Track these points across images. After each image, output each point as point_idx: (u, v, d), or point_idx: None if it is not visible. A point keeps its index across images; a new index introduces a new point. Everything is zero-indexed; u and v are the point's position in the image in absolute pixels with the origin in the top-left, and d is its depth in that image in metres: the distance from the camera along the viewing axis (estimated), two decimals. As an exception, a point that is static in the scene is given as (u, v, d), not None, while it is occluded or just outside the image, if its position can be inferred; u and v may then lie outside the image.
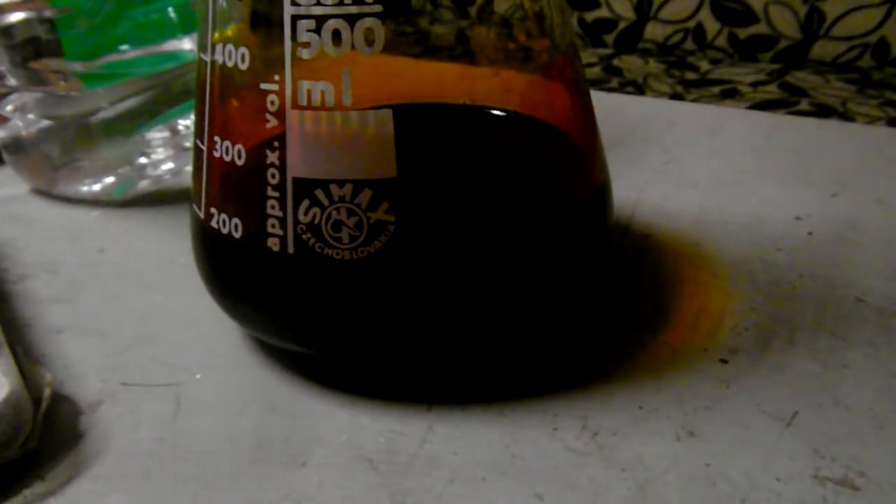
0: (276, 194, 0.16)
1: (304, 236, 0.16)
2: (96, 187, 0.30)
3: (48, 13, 0.27)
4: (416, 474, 0.16)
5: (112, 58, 0.29)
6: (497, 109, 0.20)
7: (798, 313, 0.21)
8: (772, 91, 0.47)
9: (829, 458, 0.16)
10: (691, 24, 0.55)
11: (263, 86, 0.16)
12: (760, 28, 0.53)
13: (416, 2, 0.19)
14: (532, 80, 0.20)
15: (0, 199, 0.31)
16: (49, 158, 0.29)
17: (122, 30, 0.29)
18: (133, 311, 0.23)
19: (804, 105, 0.44)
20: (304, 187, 0.16)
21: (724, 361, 0.20)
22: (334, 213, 0.16)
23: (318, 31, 0.15)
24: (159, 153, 0.32)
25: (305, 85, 0.16)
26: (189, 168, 0.32)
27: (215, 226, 0.18)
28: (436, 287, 0.17)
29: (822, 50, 0.52)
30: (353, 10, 0.15)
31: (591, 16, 0.59)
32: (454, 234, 0.17)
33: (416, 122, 0.18)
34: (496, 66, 0.19)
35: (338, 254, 0.16)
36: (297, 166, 0.16)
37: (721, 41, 0.55)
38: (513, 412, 0.18)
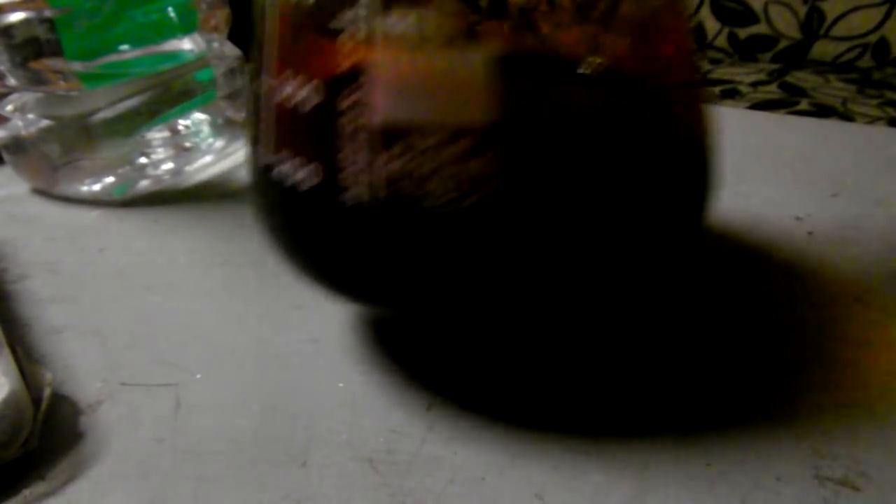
0: (360, 139, 0.15)
1: (390, 187, 0.15)
2: (96, 187, 0.30)
3: (48, 13, 0.27)
4: (416, 474, 0.16)
5: (112, 58, 0.29)
6: (604, 69, 0.18)
7: (797, 313, 0.21)
8: (772, 91, 0.46)
9: (830, 458, 0.16)
10: (691, 23, 0.55)
11: (346, 15, 0.14)
12: (760, 28, 0.53)
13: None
14: (638, 38, 0.18)
15: (0, 198, 0.31)
16: (49, 158, 0.29)
17: (122, 30, 0.29)
18: (133, 311, 0.23)
19: (804, 105, 0.44)
20: (393, 131, 0.15)
21: (724, 361, 0.20)
22: (426, 161, 0.14)
23: None
24: (159, 153, 0.32)
25: (397, 10, 0.14)
26: (189, 168, 0.32)
27: (285, 173, 0.16)
28: (533, 247, 0.16)
29: (822, 50, 0.52)
30: None
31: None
32: (555, 192, 0.16)
33: (518, 67, 0.15)
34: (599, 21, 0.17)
35: (427, 207, 0.15)
36: (385, 107, 0.14)
37: (721, 41, 0.55)
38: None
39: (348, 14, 0.14)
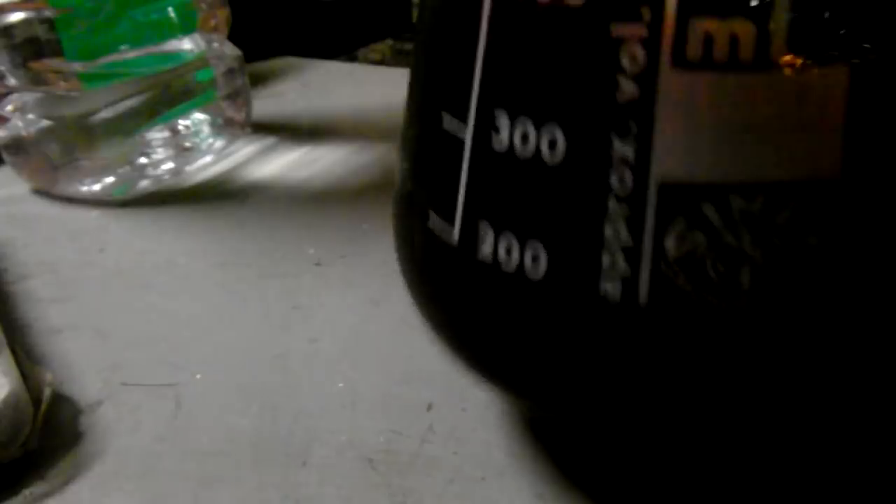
0: (626, 210, 0.10)
1: (670, 277, 0.10)
2: (96, 187, 0.30)
3: (48, 13, 0.27)
4: (416, 474, 0.16)
5: (112, 58, 0.29)
6: None
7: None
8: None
9: (829, 458, 0.16)
10: None
11: (617, 28, 0.10)
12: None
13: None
14: None
15: (0, 198, 0.31)
16: (49, 158, 0.29)
17: (122, 30, 0.29)
18: (133, 310, 0.23)
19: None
20: (680, 198, 0.10)
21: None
22: (731, 238, 0.10)
23: None
24: (159, 153, 0.32)
25: (703, 24, 0.10)
26: (189, 168, 0.32)
27: (488, 255, 0.12)
28: (846, 348, 0.11)
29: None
30: None
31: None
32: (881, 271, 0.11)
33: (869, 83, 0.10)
34: None
35: (728, 305, 0.10)
36: (670, 164, 0.10)
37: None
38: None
39: (625, 24, 0.10)
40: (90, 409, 0.19)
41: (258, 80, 0.42)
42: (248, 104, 0.35)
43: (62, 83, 0.28)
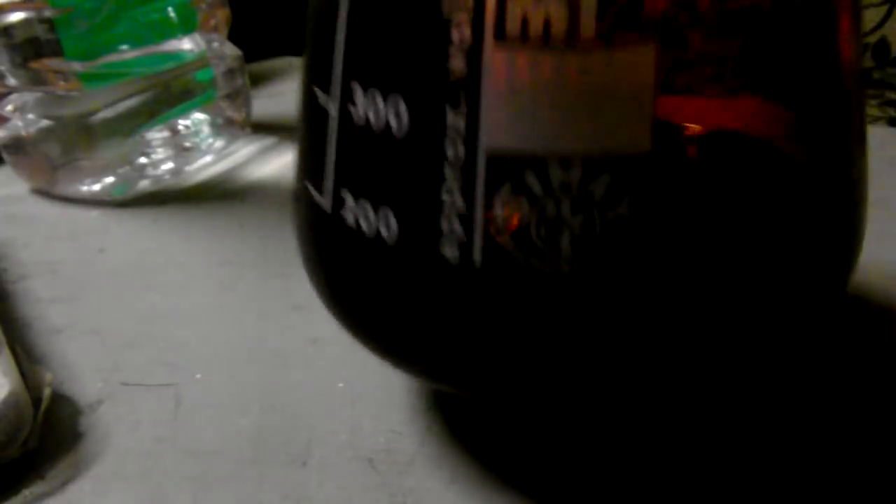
0: (459, 177, 0.11)
1: (499, 241, 0.11)
2: (96, 187, 0.30)
3: (48, 13, 0.27)
4: (416, 474, 0.16)
5: (112, 58, 0.29)
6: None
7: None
8: (772, 91, 0.46)
9: (829, 458, 0.16)
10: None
11: (448, 6, 0.11)
12: (760, 28, 0.53)
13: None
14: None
15: (0, 198, 0.31)
16: (49, 158, 0.29)
17: (122, 30, 0.29)
18: (133, 310, 0.23)
19: (804, 105, 0.44)
20: (506, 167, 0.11)
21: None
22: (551, 206, 0.11)
23: None
24: (159, 153, 0.32)
25: (520, 5, 0.10)
26: (189, 168, 0.32)
27: (351, 220, 0.13)
28: (675, 314, 0.12)
29: (822, 50, 0.52)
30: None
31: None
32: (706, 244, 0.12)
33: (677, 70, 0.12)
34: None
35: (549, 268, 0.11)
36: (498, 134, 0.11)
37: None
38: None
39: (454, 3, 0.11)
40: (90, 409, 0.19)
41: (258, 80, 0.42)
42: (248, 104, 0.35)
43: (62, 83, 0.28)
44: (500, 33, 0.11)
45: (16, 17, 0.27)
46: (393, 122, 0.12)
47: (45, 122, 0.29)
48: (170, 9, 0.31)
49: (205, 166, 0.33)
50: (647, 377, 0.13)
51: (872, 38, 0.50)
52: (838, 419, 0.17)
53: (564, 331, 0.12)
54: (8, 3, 0.27)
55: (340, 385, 0.19)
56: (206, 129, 0.34)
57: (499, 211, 0.11)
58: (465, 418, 0.18)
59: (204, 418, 0.18)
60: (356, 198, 0.13)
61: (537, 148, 0.11)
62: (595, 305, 0.12)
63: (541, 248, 0.11)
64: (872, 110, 0.42)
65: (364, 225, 0.13)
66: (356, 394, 0.19)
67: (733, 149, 0.13)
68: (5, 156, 0.31)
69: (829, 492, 0.15)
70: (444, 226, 0.12)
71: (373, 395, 0.19)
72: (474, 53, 0.11)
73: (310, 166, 0.14)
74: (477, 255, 0.12)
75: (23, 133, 0.29)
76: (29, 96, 0.29)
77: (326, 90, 0.13)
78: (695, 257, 0.12)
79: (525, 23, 0.10)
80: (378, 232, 0.12)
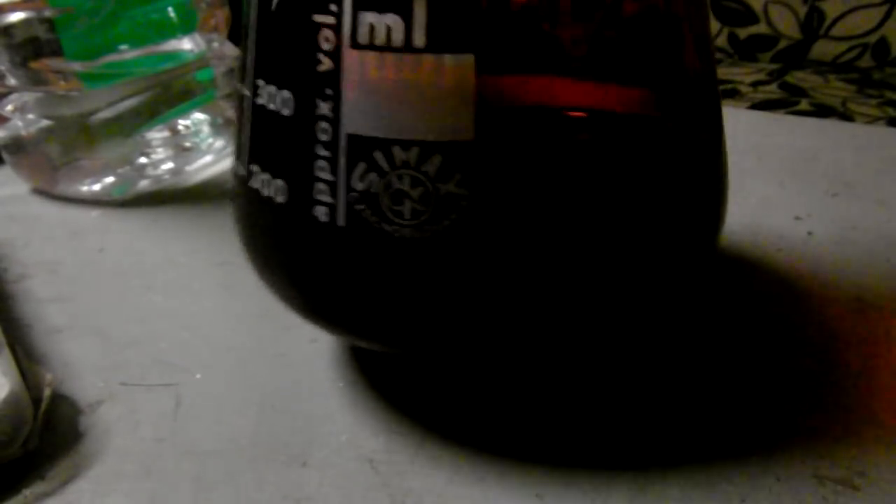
0: (327, 153, 0.14)
1: (357, 206, 0.14)
2: (96, 187, 0.30)
3: (48, 13, 0.27)
4: (416, 474, 0.16)
5: (112, 58, 0.29)
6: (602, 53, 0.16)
7: (797, 313, 0.21)
8: (772, 91, 0.47)
9: (829, 458, 0.16)
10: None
11: (316, 17, 0.14)
12: (760, 28, 0.53)
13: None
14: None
15: (0, 198, 0.31)
16: (49, 158, 0.29)
17: (122, 29, 0.29)
18: (133, 310, 0.23)
19: (804, 105, 0.44)
20: (361, 147, 0.14)
21: (724, 361, 0.19)
22: (395, 180, 0.14)
23: None
24: (159, 153, 0.32)
25: (368, 17, 0.13)
26: (189, 168, 0.32)
27: (256, 186, 0.16)
28: (510, 277, 0.15)
29: (822, 50, 0.52)
30: None
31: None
32: (536, 216, 0.14)
33: (501, 65, 0.14)
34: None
35: (396, 231, 0.14)
36: (354, 121, 0.14)
37: (721, 41, 0.55)
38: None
39: (321, 16, 0.14)
40: (90, 409, 0.19)
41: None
42: (247, 104, 0.35)
43: (62, 83, 0.28)
44: (354, 41, 0.13)
45: (16, 16, 0.27)
46: (283, 110, 0.15)
47: (45, 122, 0.29)
48: (170, 9, 0.31)
49: (205, 166, 0.33)
50: (505, 328, 0.15)
51: (872, 39, 0.50)
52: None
53: (413, 282, 0.15)
54: (8, 3, 0.27)
55: (340, 385, 0.19)
56: (206, 129, 0.34)
57: (356, 182, 0.14)
58: (464, 418, 0.18)
59: (204, 418, 0.18)
60: (261, 169, 0.16)
61: (385, 133, 0.13)
62: (436, 263, 0.14)
63: (388, 215, 0.14)
64: (872, 110, 0.42)
65: (265, 191, 0.15)
66: (356, 394, 0.19)
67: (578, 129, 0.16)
68: (5, 156, 0.31)
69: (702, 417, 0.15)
70: (317, 193, 0.14)
71: (373, 395, 0.19)
72: (336, 53, 0.14)
73: (236, 144, 0.17)
74: (341, 219, 0.14)
75: (23, 133, 0.29)
76: (29, 96, 0.29)
77: (244, 84, 0.16)
78: (538, 224, 0.14)
79: (373, 32, 0.13)
80: (272, 197, 0.15)
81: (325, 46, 0.14)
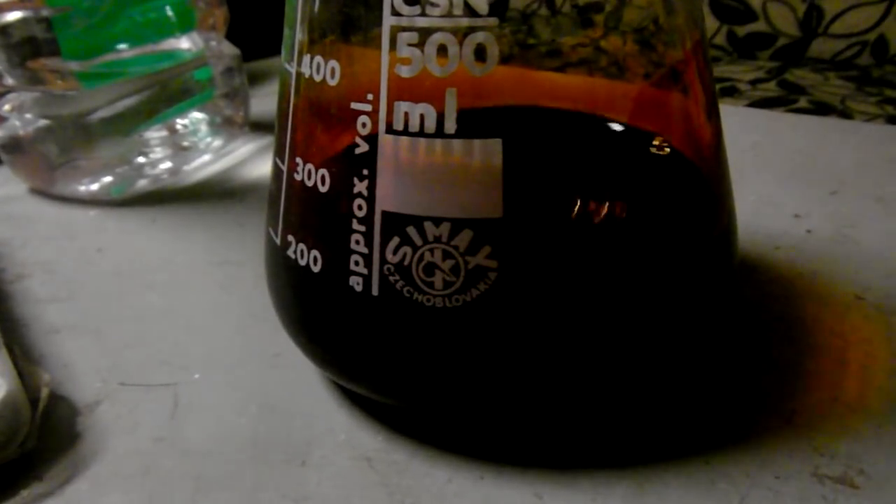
0: (362, 228, 0.15)
1: (390, 277, 0.15)
2: (94, 187, 0.30)
3: (45, 12, 0.27)
4: (415, 473, 0.16)
5: (109, 57, 0.29)
6: (616, 130, 0.18)
7: (796, 311, 0.21)
8: (771, 89, 0.46)
9: (828, 456, 0.16)
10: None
11: (354, 105, 0.14)
12: (759, 26, 0.53)
13: (524, 6, 0.18)
14: (659, 98, 0.17)
15: (-2, 198, 0.31)
16: (47, 158, 0.29)
17: (120, 29, 0.29)
18: (131, 310, 0.23)
19: (803, 103, 0.44)
20: (395, 223, 0.14)
21: (723, 360, 0.19)
22: (427, 254, 0.14)
23: (421, 45, 0.14)
24: (157, 152, 0.32)
25: (403, 107, 0.14)
26: (187, 167, 0.32)
27: (292, 255, 0.16)
28: (539, 346, 0.15)
29: (821, 48, 0.52)
30: (464, 23, 0.13)
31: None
32: (560, 288, 0.15)
33: (526, 148, 0.16)
34: (624, 81, 0.17)
35: (428, 300, 0.15)
36: (388, 198, 0.14)
37: (720, 39, 0.54)
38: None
39: (360, 104, 0.14)
40: (88, 410, 0.19)
41: (256, 79, 0.42)
42: (246, 103, 0.35)
43: (60, 82, 0.28)
44: (390, 127, 0.14)
45: (13, 16, 0.27)
46: (319, 187, 0.16)
47: (42, 122, 0.29)
48: (168, 8, 0.31)
49: (203, 165, 0.33)
50: (518, 386, 0.16)
51: (871, 36, 0.50)
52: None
53: (444, 349, 0.15)
54: (5, 3, 0.27)
55: (340, 384, 0.19)
56: (204, 128, 0.34)
57: (390, 255, 0.15)
58: (464, 418, 0.18)
59: (202, 418, 0.18)
60: (297, 240, 0.16)
61: (417, 210, 0.14)
62: (466, 331, 0.15)
63: (420, 285, 0.15)
64: (871, 108, 0.42)
65: (301, 260, 0.16)
66: (355, 393, 0.19)
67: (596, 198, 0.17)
68: (3, 156, 0.31)
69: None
70: (352, 264, 0.15)
71: (372, 395, 0.19)
72: (373, 138, 0.14)
73: (271, 214, 0.18)
74: (375, 289, 0.15)
75: (21, 133, 0.29)
76: (27, 96, 0.29)
77: (283, 160, 0.17)
78: (562, 295, 0.15)
79: (406, 118, 0.14)
80: (308, 266, 0.16)
81: (362, 130, 0.14)
